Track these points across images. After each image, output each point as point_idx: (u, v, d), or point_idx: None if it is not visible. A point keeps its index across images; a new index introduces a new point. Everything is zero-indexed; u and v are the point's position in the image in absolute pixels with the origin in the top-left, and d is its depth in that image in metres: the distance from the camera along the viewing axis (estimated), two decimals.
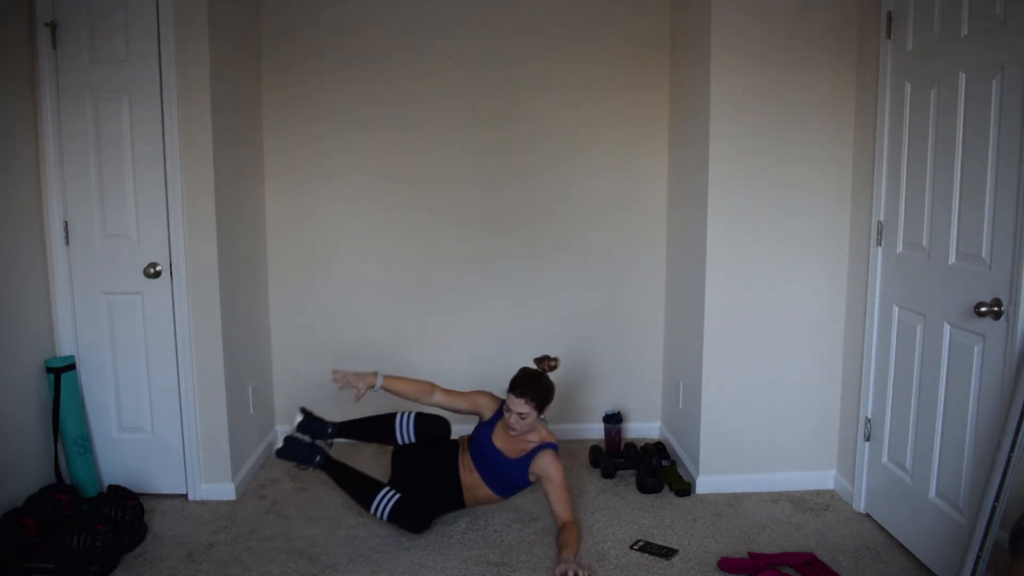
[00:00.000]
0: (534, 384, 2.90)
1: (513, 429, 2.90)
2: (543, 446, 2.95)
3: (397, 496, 2.76)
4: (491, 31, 3.76)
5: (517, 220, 3.89)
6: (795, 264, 3.26)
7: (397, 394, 3.03)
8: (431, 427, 2.91)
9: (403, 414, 2.94)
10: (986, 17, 2.37)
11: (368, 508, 2.81)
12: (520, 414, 2.86)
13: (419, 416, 2.90)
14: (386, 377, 3.02)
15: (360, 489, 2.83)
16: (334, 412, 4.11)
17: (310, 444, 2.92)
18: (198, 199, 3.12)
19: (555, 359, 3.07)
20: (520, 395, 2.86)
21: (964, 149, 2.48)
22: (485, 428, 3.04)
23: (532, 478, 2.98)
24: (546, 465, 2.89)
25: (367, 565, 2.74)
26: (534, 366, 3.05)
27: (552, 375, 3.04)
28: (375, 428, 2.93)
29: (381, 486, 2.79)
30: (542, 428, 3.01)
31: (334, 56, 3.75)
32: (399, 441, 2.86)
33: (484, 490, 3.04)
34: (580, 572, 2.57)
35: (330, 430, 2.97)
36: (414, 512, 2.86)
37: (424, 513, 2.90)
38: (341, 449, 3.28)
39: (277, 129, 3.79)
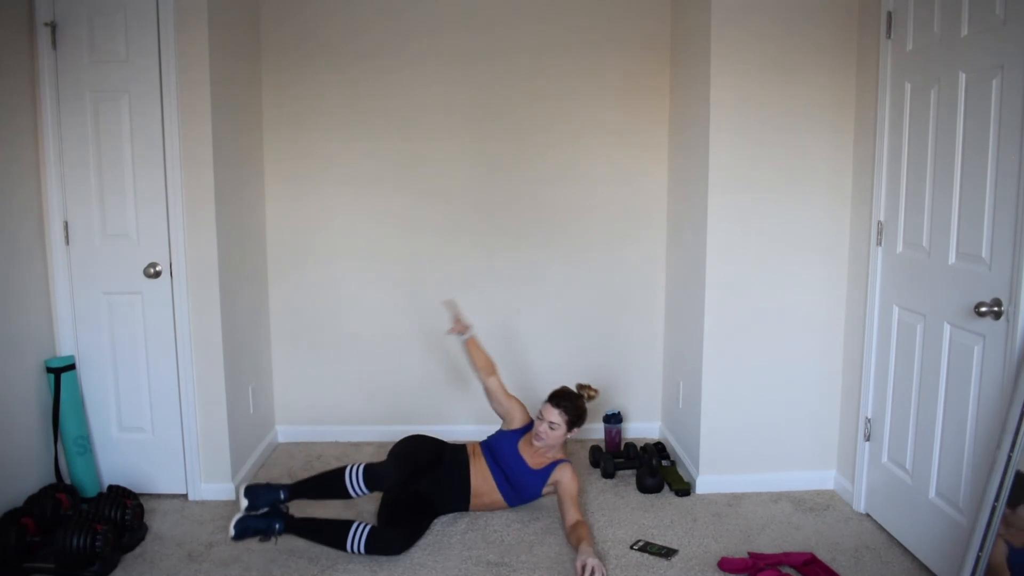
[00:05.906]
0: (572, 401, 3.07)
1: (540, 439, 3.03)
2: (562, 460, 3.09)
3: (368, 527, 2.75)
4: (493, 41, 3.76)
5: (517, 223, 3.89)
6: (795, 264, 3.26)
7: (470, 357, 3.22)
8: (379, 479, 2.86)
9: (351, 468, 2.88)
10: (986, 17, 2.37)
11: (344, 548, 2.76)
12: (551, 423, 3.01)
13: (368, 468, 2.87)
14: (473, 339, 3.25)
15: (331, 534, 2.78)
16: (339, 410, 4.09)
17: (265, 515, 2.80)
18: (198, 199, 3.12)
19: (595, 390, 3.24)
20: (556, 406, 3.03)
21: (964, 149, 2.48)
22: (510, 436, 3.14)
23: (547, 489, 3.09)
24: (565, 475, 3.03)
25: (367, 565, 2.74)
26: (575, 389, 3.20)
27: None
28: (327, 484, 2.88)
29: (351, 523, 2.78)
30: (562, 449, 3.15)
31: (334, 56, 3.75)
32: (351, 494, 2.83)
33: (494, 496, 3.10)
34: (598, 568, 2.60)
35: (283, 495, 2.85)
36: (389, 535, 2.80)
37: (400, 531, 2.84)
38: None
39: (277, 129, 3.79)
